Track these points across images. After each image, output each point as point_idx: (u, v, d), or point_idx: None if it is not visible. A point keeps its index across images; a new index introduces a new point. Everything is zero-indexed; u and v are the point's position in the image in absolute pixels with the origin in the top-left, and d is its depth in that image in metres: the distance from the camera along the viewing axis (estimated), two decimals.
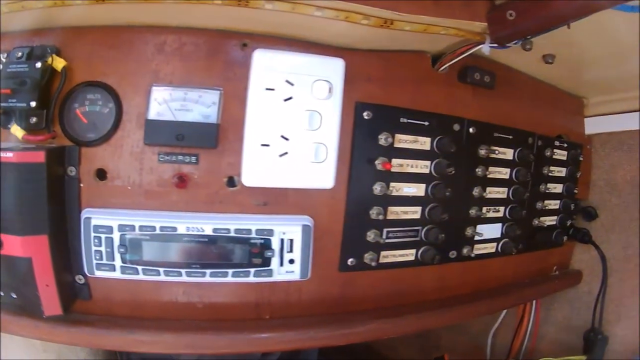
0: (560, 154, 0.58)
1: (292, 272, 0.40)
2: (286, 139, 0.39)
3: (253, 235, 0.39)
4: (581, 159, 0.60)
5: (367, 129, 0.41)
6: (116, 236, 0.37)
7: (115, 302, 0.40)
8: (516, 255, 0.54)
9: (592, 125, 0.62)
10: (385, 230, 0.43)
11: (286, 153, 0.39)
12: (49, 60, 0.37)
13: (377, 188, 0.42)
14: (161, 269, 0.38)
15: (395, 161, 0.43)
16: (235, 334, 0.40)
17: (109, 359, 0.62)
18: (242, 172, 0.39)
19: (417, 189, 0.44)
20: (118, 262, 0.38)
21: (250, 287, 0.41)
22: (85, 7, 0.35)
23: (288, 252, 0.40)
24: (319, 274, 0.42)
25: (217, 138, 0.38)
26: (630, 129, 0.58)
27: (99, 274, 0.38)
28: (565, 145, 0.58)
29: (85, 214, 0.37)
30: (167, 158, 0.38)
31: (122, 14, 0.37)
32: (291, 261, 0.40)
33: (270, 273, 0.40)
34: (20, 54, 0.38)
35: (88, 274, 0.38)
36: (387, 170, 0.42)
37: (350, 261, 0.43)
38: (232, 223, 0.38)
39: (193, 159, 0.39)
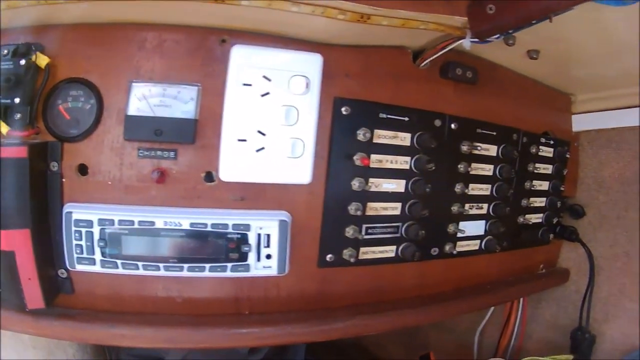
0: (546, 151, 0.57)
1: (270, 267, 0.40)
2: (263, 134, 0.39)
3: (230, 230, 0.39)
4: (568, 156, 0.59)
5: (345, 125, 0.41)
6: (96, 230, 0.38)
7: (97, 297, 0.40)
8: (501, 253, 0.54)
9: (580, 123, 0.61)
10: (364, 226, 0.43)
11: (263, 148, 0.39)
12: (33, 57, 0.37)
13: (356, 184, 0.42)
14: (140, 263, 0.39)
15: (374, 157, 0.42)
16: (214, 329, 0.40)
17: (98, 357, 0.63)
18: (220, 167, 0.39)
19: (396, 185, 0.44)
20: (98, 256, 0.38)
21: (229, 282, 0.41)
22: (68, 5, 0.36)
23: (265, 247, 0.40)
24: (298, 270, 0.42)
25: (194, 133, 0.39)
26: (619, 126, 0.57)
27: (79, 267, 0.38)
28: (552, 142, 0.58)
29: (66, 208, 0.38)
30: (146, 153, 0.39)
31: (105, 11, 0.37)
32: (268, 256, 0.40)
33: (247, 268, 0.40)
34: (5, 51, 0.38)
35: (70, 268, 0.39)
36: (366, 166, 0.42)
37: (328, 257, 0.43)
38: (209, 218, 0.39)
39: (172, 154, 0.39)
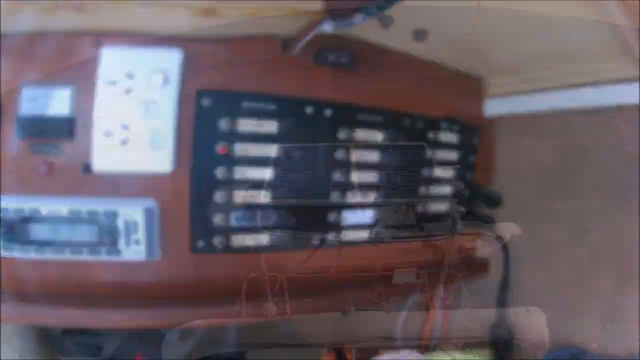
0: (449, 137, 0.54)
1: (139, 252, 0.43)
2: (126, 127, 0.42)
3: (101, 216, 0.42)
4: (475, 142, 0.56)
5: (207, 116, 0.43)
6: None
7: (5, 277, 0.45)
8: (400, 244, 0.52)
9: (494, 107, 0.57)
10: (232, 214, 0.45)
11: (127, 141, 0.42)
12: None
13: (219, 172, 0.43)
14: (31, 247, 0.44)
15: (238, 146, 0.44)
16: (96, 311, 0.44)
17: (43, 347, 0.67)
18: (93, 159, 0.42)
19: (265, 174, 0.45)
20: None
21: (110, 267, 0.45)
22: None
23: (133, 233, 0.43)
24: (172, 255, 0.45)
25: (72, 130, 0.42)
26: (538, 111, 0.53)
27: None
28: (457, 127, 0.55)
29: None
30: (36, 149, 0.44)
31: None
32: (137, 242, 0.43)
33: (118, 252, 0.43)
34: None
35: None
36: (227, 155, 0.43)
37: (199, 244, 0.45)
38: (84, 205, 0.42)
39: (55, 149, 0.43)
